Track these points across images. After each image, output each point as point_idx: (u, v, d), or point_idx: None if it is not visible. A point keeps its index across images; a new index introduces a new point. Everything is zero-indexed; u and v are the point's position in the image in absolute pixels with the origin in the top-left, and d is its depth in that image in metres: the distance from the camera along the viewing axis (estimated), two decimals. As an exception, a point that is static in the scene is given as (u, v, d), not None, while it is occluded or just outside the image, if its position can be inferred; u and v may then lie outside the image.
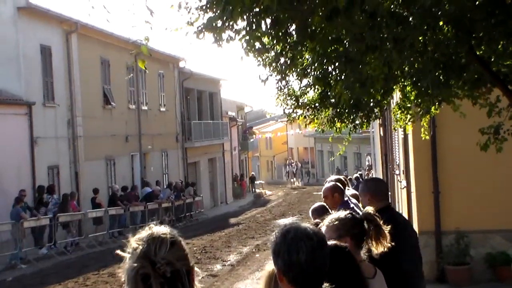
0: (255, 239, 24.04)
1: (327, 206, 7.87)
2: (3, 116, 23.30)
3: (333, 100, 10.28)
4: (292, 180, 66.64)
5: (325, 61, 6.73)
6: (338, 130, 11.83)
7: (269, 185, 67.63)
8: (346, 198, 8.09)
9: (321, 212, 7.57)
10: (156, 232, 2.59)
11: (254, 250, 21.11)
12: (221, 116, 49.27)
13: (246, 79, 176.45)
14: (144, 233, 2.60)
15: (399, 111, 10.36)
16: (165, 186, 35.24)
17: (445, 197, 13.70)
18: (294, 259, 2.86)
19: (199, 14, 6.44)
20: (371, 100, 8.99)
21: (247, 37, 6.17)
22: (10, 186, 22.44)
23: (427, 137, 10.86)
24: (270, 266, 3.67)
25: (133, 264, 2.50)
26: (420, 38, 6.15)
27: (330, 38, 5.70)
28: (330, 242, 3.53)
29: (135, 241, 2.56)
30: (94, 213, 25.87)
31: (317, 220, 5.83)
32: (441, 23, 6.17)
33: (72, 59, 27.97)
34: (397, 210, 13.18)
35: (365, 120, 11.19)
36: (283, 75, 8.17)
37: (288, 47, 6.20)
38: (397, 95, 11.94)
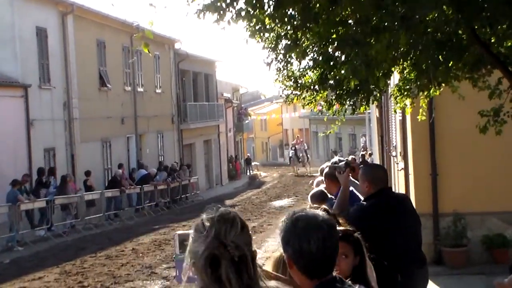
0: (251, 221, 23.97)
1: (326, 192, 7.78)
2: (-1, 98, 23.17)
3: (332, 82, 10.19)
4: (295, 167, 53.98)
5: (328, 43, 6.64)
6: (337, 112, 11.75)
7: (264, 166, 67.60)
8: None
9: (320, 198, 7.51)
10: (226, 213, 2.51)
11: (250, 232, 21.05)
12: (216, 98, 49.11)
13: (241, 60, 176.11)
14: (212, 213, 2.52)
15: (398, 93, 10.29)
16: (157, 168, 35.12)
17: (443, 180, 13.65)
18: (305, 248, 2.84)
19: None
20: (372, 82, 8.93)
21: (248, 19, 6.09)
22: (7, 169, 22.35)
23: (424, 118, 10.79)
24: (277, 252, 3.63)
25: (203, 245, 2.42)
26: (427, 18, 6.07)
27: (335, 20, 5.63)
28: (339, 228, 3.50)
29: (205, 221, 2.48)
30: (90, 195, 25.78)
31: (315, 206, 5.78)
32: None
33: (68, 41, 27.78)
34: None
35: (365, 103, 11.11)
36: (285, 58, 8.07)
37: (290, 29, 6.12)
38: (395, 77, 11.87)
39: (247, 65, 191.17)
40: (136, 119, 34.57)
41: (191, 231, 2.59)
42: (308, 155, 56.38)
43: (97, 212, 26.09)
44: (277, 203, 30.72)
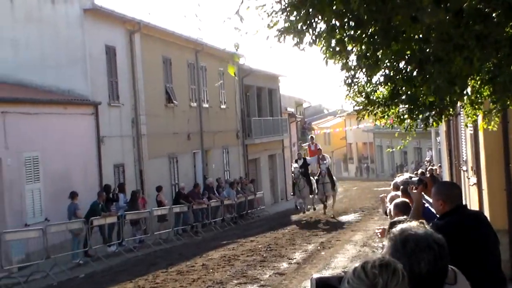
0: (319, 237, 23.98)
1: (409, 203, 7.76)
2: (71, 116, 23.87)
3: (404, 97, 10.21)
4: (300, 202, 32.75)
5: (407, 61, 6.72)
6: (409, 127, 11.74)
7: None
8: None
9: (403, 209, 7.48)
10: (389, 262, 2.46)
11: (319, 247, 21.07)
12: (280, 112, 49.31)
13: (304, 74, 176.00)
14: (373, 257, 2.48)
15: (470, 107, 10.24)
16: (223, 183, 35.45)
17: (518, 194, 13.47)
18: (416, 270, 2.80)
19: (279, 18, 6.48)
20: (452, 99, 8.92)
21: (327, 40, 6.20)
22: (78, 185, 22.92)
23: (495, 129, 10.68)
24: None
25: None
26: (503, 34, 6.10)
27: (415, 38, 5.70)
28: None
29: (366, 267, 2.45)
30: (159, 211, 26.23)
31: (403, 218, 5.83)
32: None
33: (135, 58, 28.40)
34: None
35: (438, 118, 11.09)
36: (367, 77, 8.15)
37: (370, 49, 6.21)
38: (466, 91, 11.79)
39: (310, 79, 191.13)
40: (202, 134, 35.00)
41: (328, 275, 2.61)
42: (335, 179, 33.31)
43: (166, 227, 26.50)
44: (344, 218, 30.60)
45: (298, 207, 33.14)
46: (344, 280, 2.45)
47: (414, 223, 3.04)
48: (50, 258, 19.40)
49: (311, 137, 37.70)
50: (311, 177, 32.43)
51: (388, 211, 8.43)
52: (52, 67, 24.72)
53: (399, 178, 10.25)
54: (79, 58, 24.84)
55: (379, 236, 8.27)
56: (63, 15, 24.97)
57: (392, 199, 9.06)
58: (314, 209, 33.39)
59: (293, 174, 33.00)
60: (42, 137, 22.06)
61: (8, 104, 21.04)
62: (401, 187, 8.11)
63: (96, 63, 25.54)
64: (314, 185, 31.87)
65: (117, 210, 23.42)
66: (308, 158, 33.85)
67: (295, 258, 19.08)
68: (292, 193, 34.06)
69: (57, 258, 19.65)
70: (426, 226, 3.07)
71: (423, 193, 7.24)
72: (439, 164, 32.27)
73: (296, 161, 33.02)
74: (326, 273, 9.73)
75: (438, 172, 29.11)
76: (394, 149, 27.45)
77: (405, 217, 6.26)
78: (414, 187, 7.09)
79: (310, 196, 32.54)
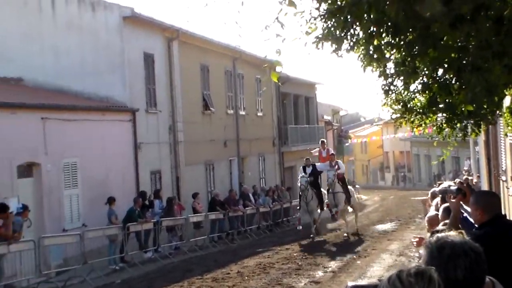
0: (354, 245, 23.84)
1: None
2: (109, 122, 24.11)
3: (442, 106, 10.12)
4: (312, 224, 26.54)
5: (445, 69, 6.65)
6: (447, 136, 11.65)
7: (364, 189, 66.95)
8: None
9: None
10: (425, 271, 2.45)
11: (354, 256, 20.93)
12: (317, 120, 49.19)
13: (341, 82, 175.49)
14: (409, 266, 2.47)
15: (510, 116, 10.13)
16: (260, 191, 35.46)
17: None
18: (452, 276, 2.78)
19: (317, 25, 6.47)
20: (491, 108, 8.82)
21: (365, 47, 6.17)
22: (116, 190, 23.10)
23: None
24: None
25: None
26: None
27: (453, 46, 5.64)
28: None
29: (402, 276, 2.43)
30: (195, 217, 26.32)
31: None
32: None
33: (173, 65, 28.57)
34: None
35: (476, 128, 10.98)
36: (404, 84, 8.11)
37: (408, 56, 6.16)
38: (505, 100, 11.64)
39: (347, 86, 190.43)
40: (238, 142, 35.07)
41: (363, 283, 2.61)
42: (351, 189, 29.16)
43: (202, 234, 26.58)
44: (380, 227, 30.34)
45: (300, 227, 27.23)
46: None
47: (451, 232, 3.01)
48: (87, 263, 19.58)
49: (322, 141, 30.34)
50: (322, 189, 27.75)
51: (426, 219, 8.34)
52: (91, 74, 25.01)
53: (439, 187, 10.09)
54: (118, 65, 25.10)
55: (416, 245, 8.19)
56: (103, 23, 25.27)
57: (430, 220, 8.75)
58: (317, 232, 27.05)
59: (299, 184, 26.70)
60: (80, 143, 22.30)
61: (48, 110, 21.34)
62: (440, 195, 8.02)
63: (134, 70, 25.77)
64: (326, 199, 27.27)
65: (153, 216, 23.55)
66: (318, 164, 27.67)
67: (331, 267, 18.98)
68: (298, 207, 27.94)
69: (94, 264, 19.83)
70: (465, 235, 3.04)
71: (461, 202, 7.15)
72: (478, 175, 31.84)
73: (304, 169, 26.88)
74: (362, 282, 9.64)
75: (474, 183, 28.69)
76: (437, 161, 27.14)
77: (444, 226, 6.19)
78: (452, 196, 7.01)
79: (319, 211, 27.43)
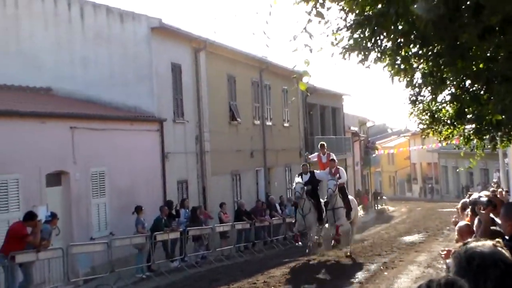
0: (381, 257, 23.65)
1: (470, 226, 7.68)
2: (137, 132, 24.30)
3: (470, 116, 10.08)
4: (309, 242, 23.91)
5: (473, 79, 6.65)
6: (475, 147, 11.60)
7: (391, 201, 66.63)
8: None
9: (465, 232, 7.41)
10: (455, 281, 2.45)
11: (382, 267, 20.80)
12: (343, 131, 49.11)
13: (367, 93, 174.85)
14: (439, 276, 2.47)
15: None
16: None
17: None
18: (481, 287, 2.72)
19: (343, 36, 6.51)
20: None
21: (392, 58, 6.18)
22: (143, 199, 23.23)
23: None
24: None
25: None
26: None
27: (482, 57, 5.63)
28: None
29: (432, 287, 2.44)
30: (222, 227, 26.38)
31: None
32: None
33: (200, 76, 28.73)
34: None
35: (506, 139, 10.91)
36: (432, 95, 8.11)
37: (436, 66, 6.16)
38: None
39: (374, 97, 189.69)
40: (265, 152, 35.10)
41: None
42: (352, 200, 24.55)
43: (228, 244, 26.63)
44: (407, 238, 30.16)
45: (301, 243, 24.37)
46: None
47: (480, 242, 2.93)
48: (114, 271, 19.70)
49: (322, 144, 25.10)
50: (322, 200, 23.56)
51: (456, 229, 8.30)
52: (119, 84, 25.25)
53: (470, 198, 9.89)
54: (145, 76, 25.31)
55: (444, 257, 8.12)
56: (131, 34, 25.52)
57: (461, 230, 8.48)
58: (320, 244, 23.99)
59: (294, 192, 23.23)
60: (108, 153, 22.50)
61: (77, 119, 21.57)
62: (470, 207, 7.99)
63: (162, 80, 25.96)
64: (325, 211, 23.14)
65: (179, 225, 23.63)
66: (317, 172, 23.61)
67: (358, 278, 18.89)
68: (293, 220, 25.34)
69: (121, 272, 19.94)
70: (500, 244, 2.93)
71: (492, 214, 7.09)
72: (506, 190, 31.49)
73: (300, 176, 23.13)
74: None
75: (503, 195, 28.31)
76: (464, 169, 26.79)
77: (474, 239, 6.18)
78: (482, 208, 6.96)
79: (318, 226, 23.62)
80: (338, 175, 22.91)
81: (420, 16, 5.11)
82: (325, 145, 25.02)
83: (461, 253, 2.83)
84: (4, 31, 26.31)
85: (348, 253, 22.73)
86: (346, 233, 23.42)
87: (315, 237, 23.49)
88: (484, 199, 7.60)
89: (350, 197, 24.33)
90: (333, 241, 23.15)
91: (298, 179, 22.83)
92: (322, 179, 23.46)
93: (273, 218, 30.73)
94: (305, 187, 22.44)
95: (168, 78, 26.48)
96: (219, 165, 29.62)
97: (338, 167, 23.55)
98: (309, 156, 25.67)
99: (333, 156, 24.02)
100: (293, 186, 23.16)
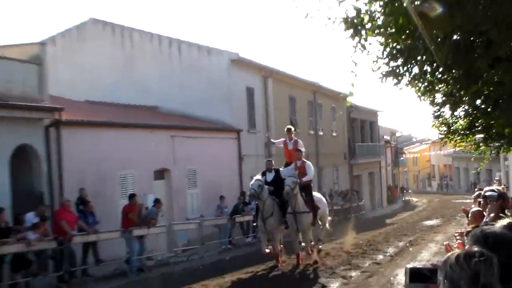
0: (407, 236, 23.34)
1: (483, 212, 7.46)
2: (220, 140, 24.57)
3: (479, 128, 9.88)
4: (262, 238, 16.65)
5: (483, 100, 6.55)
6: (483, 153, 11.35)
7: (415, 193, 65.39)
8: None
9: (478, 217, 7.18)
10: (488, 253, 2.07)
11: (407, 244, 20.51)
12: (378, 139, 48.46)
13: (397, 108, 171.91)
14: (471, 250, 2.10)
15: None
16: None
17: None
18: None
19: (380, 64, 6.49)
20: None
21: (421, 83, 6.14)
22: (225, 191, 23.45)
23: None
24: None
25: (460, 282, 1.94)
26: None
27: (492, 81, 5.56)
28: None
29: (469, 258, 2.05)
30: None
31: None
32: None
33: (268, 96, 28.83)
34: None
35: (509, 146, 10.64)
36: (452, 113, 8.00)
37: (455, 88, 6.11)
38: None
39: (402, 113, 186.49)
40: (317, 156, 34.92)
41: (420, 266, 2.42)
42: (319, 198, 17.02)
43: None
44: (428, 222, 29.64)
45: (267, 250, 16.33)
46: (445, 265, 2.06)
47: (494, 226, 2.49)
48: (204, 244, 19.92)
49: (288, 128, 17.24)
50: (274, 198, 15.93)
51: (470, 213, 8.05)
52: (207, 103, 25.52)
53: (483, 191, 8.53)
54: (226, 97, 25.53)
55: (445, 251, 7.25)
56: (216, 65, 25.81)
57: (474, 214, 7.58)
58: (281, 250, 16.49)
59: (250, 190, 15.49)
60: (199, 155, 22.79)
61: (176, 130, 21.99)
62: (482, 199, 7.51)
63: (239, 100, 26.16)
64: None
65: (251, 210, 23.67)
66: (282, 170, 16.39)
67: (389, 252, 18.68)
68: (254, 223, 18.24)
69: (209, 245, 20.15)
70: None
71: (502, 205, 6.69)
72: (506, 186, 30.59)
73: (264, 174, 16.16)
74: (414, 265, 9.49)
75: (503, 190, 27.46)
76: (475, 171, 26.05)
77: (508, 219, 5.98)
78: (493, 201, 6.56)
79: (282, 229, 16.14)
80: (304, 170, 15.84)
81: (442, 49, 5.09)
82: (292, 129, 17.26)
83: (477, 233, 2.66)
84: (123, 65, 26.97)
85: (315, 260, 15.95)
86: (315, 238, 17.12)
87: (280, 245, 16.39)
88: (495, 193, 7.12)
89: (317, 195, 17.27)
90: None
91: (258, 176, 15.80)
92: (286, 177, 15.50)
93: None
94: (267, 187, 15.53)
95: (243, 99, 26.67)
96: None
97: (305, 160, 16.26)
98: (274, 141, 18.35)
99: (301, 144, 16.42)
100: (250, 183, 15.72)
